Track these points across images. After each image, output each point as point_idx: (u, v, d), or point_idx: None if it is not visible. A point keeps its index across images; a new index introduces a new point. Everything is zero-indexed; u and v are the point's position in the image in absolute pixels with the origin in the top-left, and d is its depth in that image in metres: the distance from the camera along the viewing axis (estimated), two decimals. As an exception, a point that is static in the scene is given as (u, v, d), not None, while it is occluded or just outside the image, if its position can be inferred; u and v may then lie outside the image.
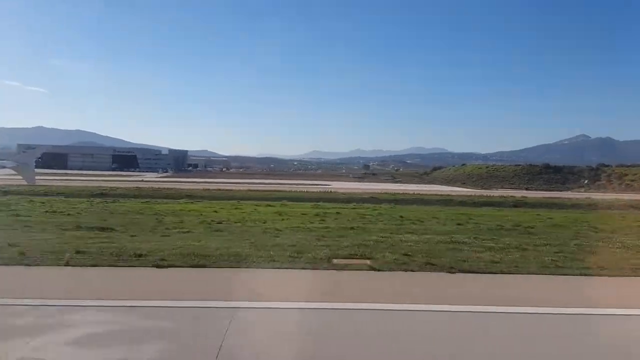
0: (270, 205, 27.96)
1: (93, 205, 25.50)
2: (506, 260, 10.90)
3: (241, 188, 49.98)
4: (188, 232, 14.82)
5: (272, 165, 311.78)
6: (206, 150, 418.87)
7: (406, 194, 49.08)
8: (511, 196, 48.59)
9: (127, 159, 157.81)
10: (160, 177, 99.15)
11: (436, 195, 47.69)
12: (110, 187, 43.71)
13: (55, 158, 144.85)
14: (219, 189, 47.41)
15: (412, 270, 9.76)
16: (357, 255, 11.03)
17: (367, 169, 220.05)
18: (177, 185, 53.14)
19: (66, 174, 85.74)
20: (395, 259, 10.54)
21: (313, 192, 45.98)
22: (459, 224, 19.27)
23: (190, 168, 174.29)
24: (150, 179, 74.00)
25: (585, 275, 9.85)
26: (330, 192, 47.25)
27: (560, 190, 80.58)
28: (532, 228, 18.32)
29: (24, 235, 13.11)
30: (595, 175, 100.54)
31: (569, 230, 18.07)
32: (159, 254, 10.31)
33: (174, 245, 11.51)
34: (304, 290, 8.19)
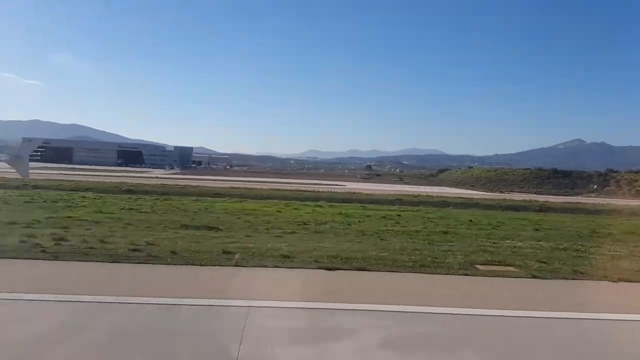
0: (319, 206, 27.98)
1: (143, 202, 24.82)
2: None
3: (263, 187, 49.83)
4: (292, 232, 14.88)
5: (270, 164, 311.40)
6: (203, 148, 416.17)
7: (429, 196, 48.82)
8: (535, 200, 48.84)
9: (132, 154, 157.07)
10: (169, 173, 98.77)
11: (459, 198, 47.25)
12: (136, 184, 42.74)
13: (60, 152, 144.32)
14: (246, 187, 47.28)
15: (564, 278, 9.93)
16: (494, 261, 11.16)
17: (369, 169, 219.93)
18: (199, 183, 52.81)
19: (74, 169, 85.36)
20: (539, 266, 10.71)
21: (338, 192, 45.84)
22: (536, 229, 19.46)
23: (194, 165, 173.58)
24: (163, 176, 73.68)
25: None
26: (355, 192, 47.20)
27: (570, 195, 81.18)
28: (610, 235, 18.58)
29: (144, 234, 12.91)
30: (604, 180, 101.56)
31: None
32: (312, 255, 10.55)
33: (308, 247, 11.60)
34: (499, 299, 8.24)
